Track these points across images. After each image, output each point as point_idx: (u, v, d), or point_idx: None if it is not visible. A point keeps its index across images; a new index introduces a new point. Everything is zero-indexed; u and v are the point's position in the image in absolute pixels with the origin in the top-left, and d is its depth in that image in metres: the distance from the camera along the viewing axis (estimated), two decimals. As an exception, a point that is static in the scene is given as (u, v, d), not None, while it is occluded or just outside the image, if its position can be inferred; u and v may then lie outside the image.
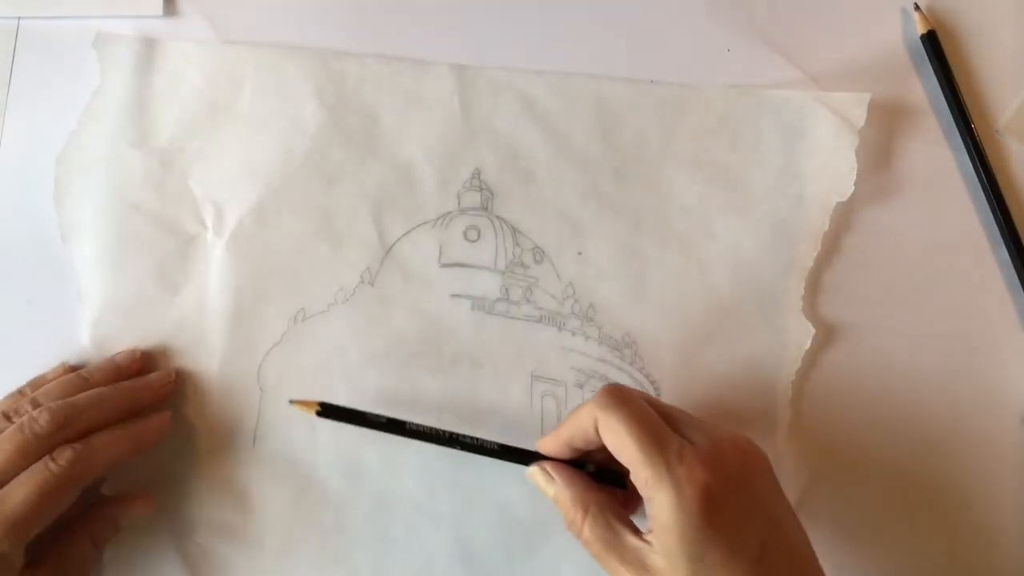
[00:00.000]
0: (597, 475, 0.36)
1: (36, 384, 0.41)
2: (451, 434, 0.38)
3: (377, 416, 0.39)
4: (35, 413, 0.37)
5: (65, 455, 0.37)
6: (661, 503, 0.31)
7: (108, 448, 0.38)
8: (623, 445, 0.32)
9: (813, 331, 0.42)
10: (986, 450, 0.42)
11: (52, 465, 0.37)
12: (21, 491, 0.36)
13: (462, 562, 0.42)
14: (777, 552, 0.31)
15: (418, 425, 0.38)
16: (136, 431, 0.40)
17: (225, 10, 0.45)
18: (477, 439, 0.38)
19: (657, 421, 0.33)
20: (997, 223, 0.43)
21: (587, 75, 0.44)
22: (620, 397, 0.33)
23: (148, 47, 0.45)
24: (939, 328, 0.43)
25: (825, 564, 0.42)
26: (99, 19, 0.45)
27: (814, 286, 0.43)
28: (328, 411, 0.39)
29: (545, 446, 0.36)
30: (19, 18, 0.46)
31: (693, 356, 0.42)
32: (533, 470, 0.37)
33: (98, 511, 0.40)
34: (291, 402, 0.39)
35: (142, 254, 0.43)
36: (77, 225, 0.44)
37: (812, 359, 0.43)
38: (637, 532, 0.33)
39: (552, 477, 0.36)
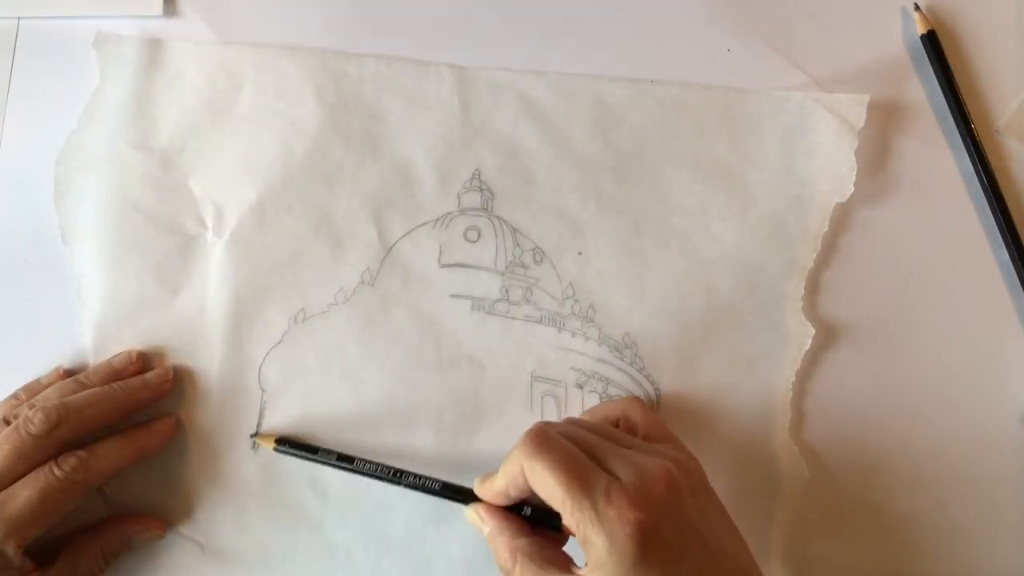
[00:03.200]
0: (534, 518, 0.36)
1: (31, 389, 0.42)
2: (396, 471, 0.39)
3: (328, 451, 0.41)
4: (30, 414, 0.37)
5: (69, 462, 0.37)
6: (593, 545, 0.31)
7: (112, 456, 0.39)
8: (551, 492, 0.32)
9: (813, 331, 0.42)
10: (986, 450, 0.42)
11: (56, 471, 0.37)
12: (24, 494, 0.36)
13: (463, 563, 0.42)
14: (712, 574, 0.31)
15: (366, 462, 0.40)
16: (140, 437, 0.41)
17: (225, 10, 0.45)
18: (421, 477, 0.39)
19: (582, 462, 0.32)
20: (997, 223, 0.43)
21: (587, 75, 0.44)
22: (542, 442, 0.33)
23: (148, 47, 0.45)
24: (939, 328, 0.43)
25: (825, 565, 0.42)
26: (99, 19, 0.45)
27: (814, 286, 0.43)
28: (285, 444, 0.41)
29: (483, 493, 0.36)
30: (19, 18, 0.46)
31: (693, 357, 0.42)
32: (468, 511, 0.37)
33: (112, 526, 0.41)
34: (252, 436, 0.42)
35: (142, 254, 0.43)
36: (77, 225, 0.44)
37: (812, 359, 0.43)
38: (571, 569, 0.33)
39: (484, 521, 0.36)
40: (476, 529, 0.37)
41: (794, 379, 0.42)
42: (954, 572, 0.42)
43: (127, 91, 0.44)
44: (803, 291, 0.43)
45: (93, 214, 0.44)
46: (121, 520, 0.41)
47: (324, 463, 0.41)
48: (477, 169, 0.44)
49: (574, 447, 0.33)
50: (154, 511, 0.42)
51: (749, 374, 0.42)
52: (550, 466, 0.32)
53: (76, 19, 0.46)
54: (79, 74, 0.45)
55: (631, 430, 0.38)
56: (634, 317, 0.43)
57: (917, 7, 0.44)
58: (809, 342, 0.42)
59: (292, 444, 0.41)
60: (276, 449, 0.41)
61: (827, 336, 0.43)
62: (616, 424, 0.38)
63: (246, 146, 0.44)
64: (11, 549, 0.36)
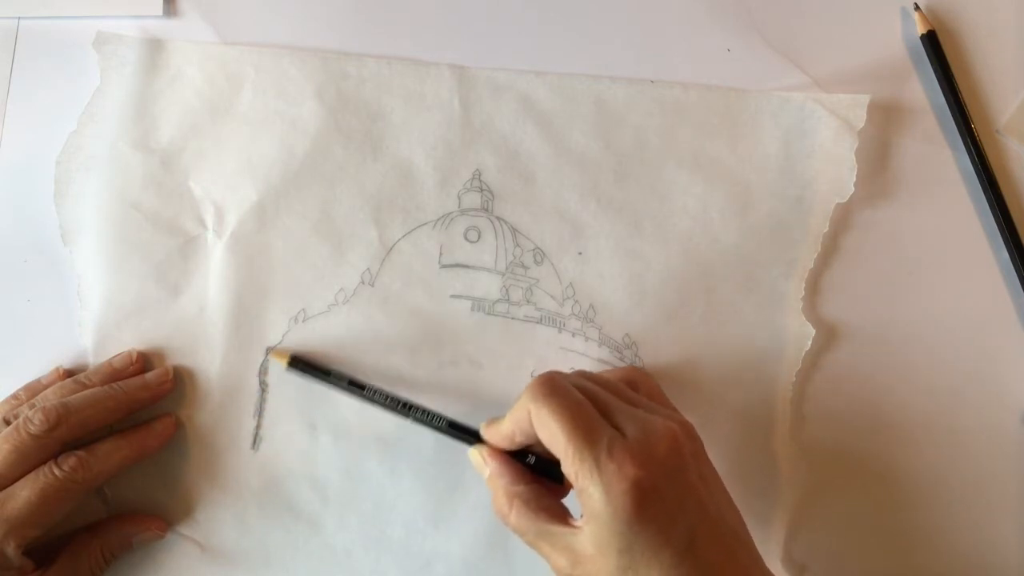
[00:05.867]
0: (537, 466, 0.36)
1: (31, 389, 0.42)
2: (405, 403, 0.39)
3: (340, 375, 0.41)
4: (29, 414, 0.37)
5: (69, 462, 0.37)
6: (591, 497, 0.31)
7: (112, 456, 0.39)
8: (554, 438, 0.32)
9: (813, 332, 0.42)
10: (986, 450, 0.42)
11: (56, 470, 0.37)
12: (23, 494, 0.36)
13: (463, 563, 0.42)
14: (706, 538, 0.31)
15: (376, 389, 0.40)
16: (140, 437, 0.41)
17: (225, 10, 0.45)
18: (428, 413, 0.39)
19: (588, 413, 0.32)
20: (997, 223, 0.43)
21: (587, 75, 0.44)
22: (551, 388, 0.33)
23: (148, 47, 0.45)
24: (939, 328, 0.43)
25: (825, 565, 0.42)
26: (99, 19, 0.45)
27: (814, 287, 0.43)
28: (298, 364, 0.41)
29: (489, 435, 0.37)
30: (19, 18, 0.46)
31: (693, 357, 0.42)
32: (472, 451, 0.37)
33: (112, 526, 0.41)
34: (267, 349, 0.42)
35: (142, 254, 0.43)
36: (77, 225, 0.44)
37: (813, 360, 0.43)
38: (566, 520, 0.33)
39: (486, 463, 0.36)
40: (477, 470, 0.37)
41: (794, 379, 0.42)
42: (954, 571, 0.42)
43: (127, 91, 0.44)
44: (803, 291, 0.43)
45: (93, 214, 0.44)
46: (121, 520, 0.41)
47: (335, 386, 0.40)
48: (477, 169, 0.44)
49: (582, 397, 0.33)
50: (154, 511, 0.42)
51: (749, 374, 0.42)
52: (556, 412, 0.32)
53: (76, 19, 0.45)
54: (79, 74, 0.45)
55: None
56: (634, 318, 0.43)
57: (917, 7, 0.44)
58: (809, 342, 0.42)
59: (305, 365, 0.41)
60: (289, 367, 0.41)
61: (827, 336, 0.43)
62: None
63: (246, 146, 0.44)
64: (11, 549, 0.36)
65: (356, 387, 0.40)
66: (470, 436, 0.38)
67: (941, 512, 0.42)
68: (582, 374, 0.36)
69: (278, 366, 0.42)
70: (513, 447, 0.36)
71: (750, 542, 0.34)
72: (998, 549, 0.42)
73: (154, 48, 0.45)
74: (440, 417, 0.39)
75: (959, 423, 0.43)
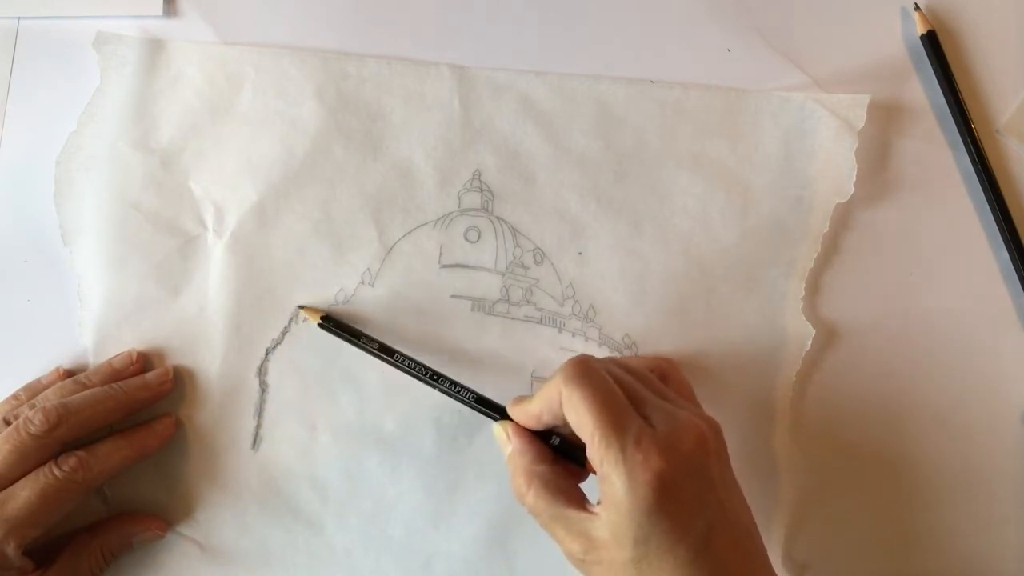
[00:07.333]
0: (561, 447, 0.36)
1: (31, 389, 0.42)
2: (434, 373, 0.39)
3: (370, 339, 0.41)
4: (30, 414, 0.37)
5: (69, 462, 0.38)
6: (613, 485, 0.31)
7: (112, 456, 0.39)
8: (582, 423, 0.32)
9: (813, 332, 0.42)
10: (986, 449, 0.43)
11: (56, 471, 0.37)
12: (24, 494, 0.36)
13: (463, 562, 0.42)
14: (722, 538, 0.31)
15: (406, 357, 0.40)
16: (140, 437, 0.41)
17: (225, 10, 0.45)
18: (456, 384, 0.39)
19: (619, 401, 0.32)
20: (997, 223, 0.43)
21: (587, 76, 0.44)
22: (585, 373, 0.33)
23: (148, 47, 0.45)
24: (939, 328, 0.43)
25: (826, 564, 0.42)
26: (99, 19, 0.45)
27: (814, 287, 0.43)
28: (329, 323, 0.42)
29: (516, 414, 0.37)
30: (19, 18, 0.46)
31: (693, 357, 0.42)
32: (497, 427, 0.37)
33: (112, 526, 0.41)
34: (299, 307, 0.43)
35: (142, 254, 0.43)
36: (77, 226, 0.44)
37: (812, 360, 0.43)
38: (584, 505, 0.33)
39: (509, 440, 0.36)
40: (499, 446, 0.37)
41: (794, 379, 0.42)
42: (954, 570, 0.42)
43: (127, 91, 0.44)
44: (803, 291, 0.43)
45: (93, 214, 0.44)
46: (121, 520, 0.41)
47: (365, 349, 0.41)
48: (477, 169, 0.44)
49: (615, 385, 0.33)
50: (154, 511, 0.42)
51: (749, 374, 0.42)
52: (588, 397, 0.32)
53: (76, 19, 0.45)
54: (79, 74, 0.45)
55: None
56: (634, 317, 0.43)
57: (917, 7, 0.44)
58: (809, 342, 0.42)
59: (336, 324, 0.41)
60: (320, 325, 0.41)
61: (827, 336, 0.43)
62: None
63: (246, 146, 0.44)
64: (11, 549, 0.36)
65: (386, 352, 0.40)
66: (495, 412, 0.38)
67: (941, 511, 0.42)
68: (614, 361, 0.37)
69: (276, 368, 0.42)
70: (539, 427, 0.36)
71: (762, 545, 0.34)
72: (998, 548, 0.42)
73: (154, 48, 0.45)
74: (467, 390, 0.39)
75: (959, 422, 0.43)
